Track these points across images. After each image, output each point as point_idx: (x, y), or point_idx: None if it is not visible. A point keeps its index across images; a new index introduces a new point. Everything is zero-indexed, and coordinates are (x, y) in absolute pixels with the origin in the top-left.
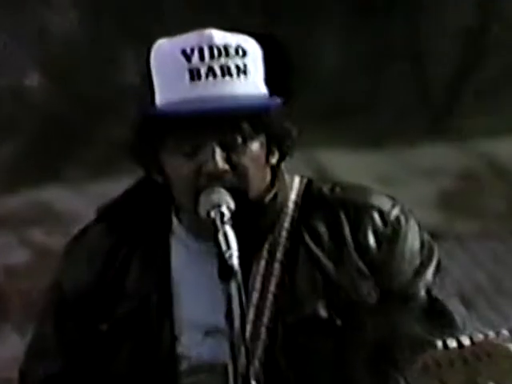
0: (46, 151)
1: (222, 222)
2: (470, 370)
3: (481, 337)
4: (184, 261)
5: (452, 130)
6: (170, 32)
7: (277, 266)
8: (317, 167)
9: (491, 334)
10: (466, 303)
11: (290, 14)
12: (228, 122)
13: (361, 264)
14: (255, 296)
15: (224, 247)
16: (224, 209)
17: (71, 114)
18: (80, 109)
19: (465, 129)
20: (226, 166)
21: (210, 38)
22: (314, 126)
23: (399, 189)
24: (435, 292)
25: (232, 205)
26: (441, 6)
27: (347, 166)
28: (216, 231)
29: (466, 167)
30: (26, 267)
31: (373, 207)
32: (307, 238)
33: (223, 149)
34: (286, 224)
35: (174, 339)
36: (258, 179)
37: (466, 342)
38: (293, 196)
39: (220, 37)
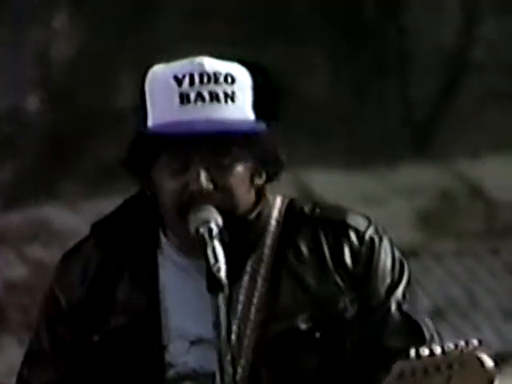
0: (43, 171)
1: (211, 238)
2: (442, 378)
3: (452, 346)
4: (172, 276)
5: (432, 151)
6: (165, 58)
7: (260, 281)
8: (302, 186)
9: (461, 343)
10: (441, 316)
11: (279, 39)
12: (215, 145)
13: (339, 280)
14: (239, 309)
15: (212, 261)
16: (212, 225)
17: (68, 136)
18: (76, 130)
19: (444, 150)
20: (211, 186)
21: (201, 65)
22: (300, 146)
23: (380, 207)
24: (406, 307)
25: (220, 221)
26: (423, 28)
27: (332, 185)
28: (205, 246)
29: (444, 187)
30: (24, 281)
31: (349, 227)
32: (289, 255)
33: (210, 169)
34: (269, 241)
35: (163, 348)
36: (244, 199)
37: (438, 350)
38: (275, 214)
39: (210, 65)
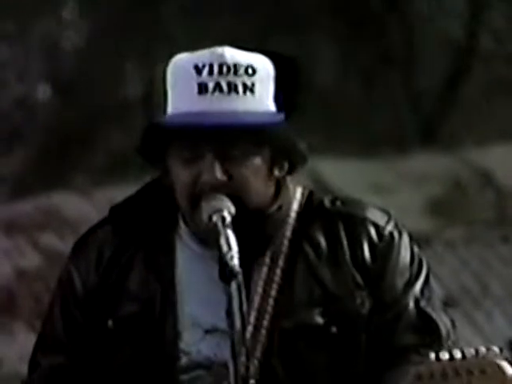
0: (54, 159)
1: (224, 226)
2: (462, 383)
3: (472, 351)
4: (188, 263)
5: (442, 138)
6: (170, 48)
7: (278, 272)
8: (313, 175)
9: (482, 349)
10: (454, 303)
11: (285, 29)
12: (229, 136)
13: (356, 274)
14: (256, 300)
15: (225, 249)
16: (225, 213)
17: (78, 125)
18: (86, 119)
19: (454, 138)
20: (224, 177)
21: (222, 55)
22: (310, 135)
23: (391, 195)
24: (423, 304)
25: (232, 209)
26: (431, 18)
27: (343, 174)
28: (218, 234)
29: (455, 175)
30: (36, 269)
31: (369, 221)
32: (307, 248)
33: (223, 160)
34: (288, 233)
35: (177, 335)
36: (259, 190)
37: (458, 355)
38: (295, 206)
39: (231, 55)
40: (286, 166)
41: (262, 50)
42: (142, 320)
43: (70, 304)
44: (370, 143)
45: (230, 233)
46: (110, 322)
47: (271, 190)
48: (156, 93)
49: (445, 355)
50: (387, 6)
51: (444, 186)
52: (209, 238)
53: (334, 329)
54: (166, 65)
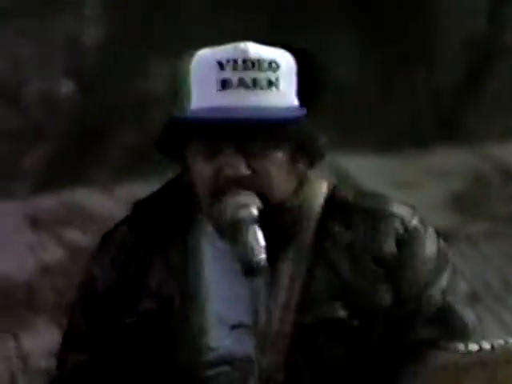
0: (76, 155)
1: (251, 221)
2: (487, 374)
3: (501, 342)
4: (211, 259)
5: (463, 134)
6: (191, 45)
7: (302, 267)
8: (335, 170)
9: (510, 340)
10: (476, 299)
11: (304, 26)
12: (252, 131)
13: (378, 268)
14: (280, 294)
15: (253, 245)
16: (253, 208)
17: (100, 121)
18: (108, 116)
19: (475, 133)
20: (247, 172)
21: (245, 51)
22: (332, 130)
23: (412, 191)
24: (449, 298)
25: (260, 204)
26: (452, 12)
27: (363, 169)
28: (245, 230)
29: (476, 170)
30: (59, 264)
31: (394, 215)
32: (329, 242)
33: (245, 155)
34: (311, 227)
35: (202, 332)
36: (282, 185)
37: (487, 346)
38: (317, 200)
39: (255, 50)
40: (305, 161)
41: (283, 44)
42: (162, 317)
43: (91, 302)
44: (390, 139)
45: (256, 228)
46: (129, 319)
47: (292, 184)
48: (175, 88)
49: (474, 347)
50: (408, 1)
51: (465, 182)
52: (230, 234)
53: (355, 322)
54: (185, 60)
